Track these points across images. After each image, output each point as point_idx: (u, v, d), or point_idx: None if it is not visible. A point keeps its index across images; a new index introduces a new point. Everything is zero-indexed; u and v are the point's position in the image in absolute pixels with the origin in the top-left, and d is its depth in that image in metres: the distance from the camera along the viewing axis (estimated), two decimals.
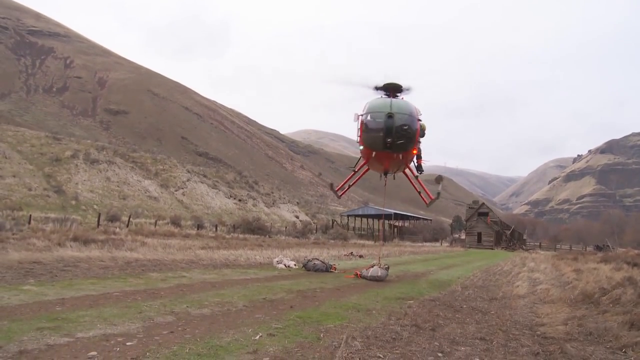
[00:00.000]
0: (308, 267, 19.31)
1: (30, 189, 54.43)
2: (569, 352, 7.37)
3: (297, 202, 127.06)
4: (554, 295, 14.65)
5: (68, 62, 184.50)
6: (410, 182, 18.33)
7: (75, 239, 22.12)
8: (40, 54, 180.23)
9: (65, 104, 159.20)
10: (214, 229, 52.83)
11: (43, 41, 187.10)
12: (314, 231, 68.94)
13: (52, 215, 42.98)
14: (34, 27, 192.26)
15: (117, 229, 35.78)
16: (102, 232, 30.18)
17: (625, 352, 7.73)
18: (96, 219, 42.46)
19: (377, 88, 17.35)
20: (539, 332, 8.92)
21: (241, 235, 46.94)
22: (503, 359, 6.81)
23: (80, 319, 7.62)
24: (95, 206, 57.73)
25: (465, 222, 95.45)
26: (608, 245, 79.09)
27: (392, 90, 17.11)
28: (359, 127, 16.18)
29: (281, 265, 20.05)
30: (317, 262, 19.86)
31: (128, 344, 6.32)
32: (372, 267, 17.69)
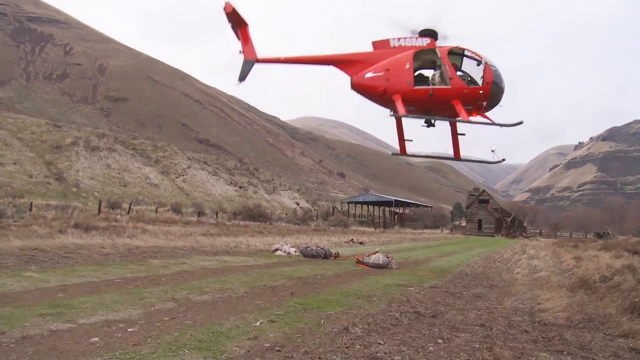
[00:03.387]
0: (306, 253, 19.36)
1: (31, 177, 54.50)
2: (568, 338, 7.40)
3: (298, 189, 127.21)
4: (553, 282, 14.68)
5: (68, 49, 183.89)
6: (455, 133, 17.59)
7: (76, 226, 22.16)
8: (40, 41, 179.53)
9: (65, 91, 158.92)
10: (215, 216, 52.93)
11: (42, 28, 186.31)
12: (315, 218, 69.08)
13: (53, 202, 43.06)
14: (33, 13, 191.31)
15: (118, 216, 35.88)
16: (103, 219, 30.25)
17: (627, 338, 7.76)
18: (97, 206, 42.55)
19: (420, 33, 16.90)
20: (538, 319, 8.94)
21: (242, 222, 47.09)
22: (503, 345, 6.83)
23: (81, 305, 7.64)
24: (96, 193, 57.83)
25: (465, 210, 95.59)
26: (608, 233, 79.23)
27: (432, 36, 16.80)
28: (485, 74, 15.74)
29: (279, 252, 20.09)
30: (314, 248, 19.90)
31: (129, 330, 6.35)
32: (374, 253, 17.71)
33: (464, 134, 17.43)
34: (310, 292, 10.53)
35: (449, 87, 15.72)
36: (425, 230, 77.27)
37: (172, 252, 17.13)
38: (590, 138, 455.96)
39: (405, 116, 16.24)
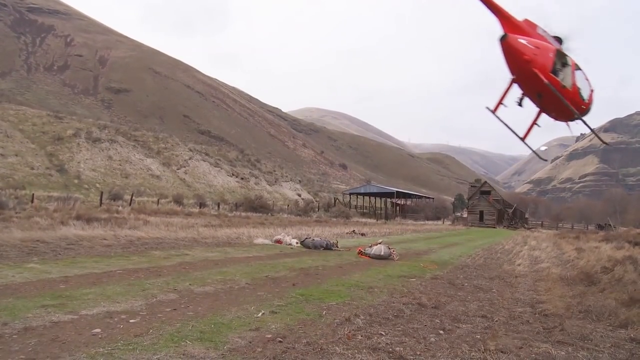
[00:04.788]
0: (307, 245, 19.40)
1: (32, 168, 54.54)
2: (569, 329, 7.41)
3: (299, 181, 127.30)
4: (554, 273, 14.71)
5: (69, 40, 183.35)
6: (535, 121, 18.66)
7: (78, 217, 22.18)
8: (41, 32, 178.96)
9: (67, 82, 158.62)
10: (217, 208, 52.97)
11: (43, 19, 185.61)
12: (316, 209, 69.14)
13: (55, 194, 43.11)
14: (33, 4, 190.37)
15: (120, 208, 35.92)
16: (105, 211, 30.27)
17: (627, 328, 7.77)
18: (99, 198, 42.57)
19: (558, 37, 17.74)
20: (539, 310, 8.96)
21: (243, 214, 47.11)
22: (504, 336, 6.84)
23: (83, 296, 7.66)
24: (97, 185, 57.90)
25: (467, 201, 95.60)
26: (610, 224, 79.18)
27: (560, 42, 17.58)
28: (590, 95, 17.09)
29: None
30: (316, 239, 19.95)
31: (131, 321, 6.36)
32: (376, 245, 17.73)
33: (540, 126, 18.38)
34: (312, 283, 10.55)
35: (570, 90, 16.59)
36: (426, 222, 77.22)
37: (174, 244, 17.16)
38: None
39: (522, 92, 17.26)
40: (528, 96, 17.06)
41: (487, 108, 18.66)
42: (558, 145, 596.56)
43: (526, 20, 17.05)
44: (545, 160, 24.06)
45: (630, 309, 9.15)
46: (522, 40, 16.52)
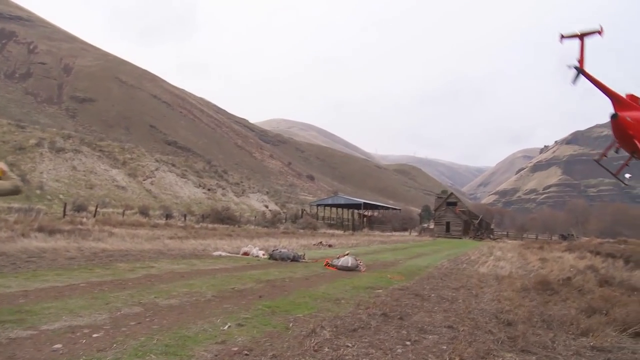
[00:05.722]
0: (274, 256, 19.33)
1: None
2: (532, 338, 7.55)
3: (267, 192, 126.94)
4: (519, 283, 14.97)
5: (31, 47, 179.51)
6: (626, 164, 20.48)
7: (40, 229, 21.64)
8: (1, 38, 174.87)
9: (29, 90, 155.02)
10: (183, 219, 52.42)
11: (4, 25, 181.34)
12: (284, 221, 69.10)
13: (16, 205, 42.03)
14: None
15: (84, 219, 35.22)
16: (69, 222, 29.65)
17: (588, 336, 7.97)
18: (62, 209, 41.69)
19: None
20: (503, 319, 9.09)
21: (210, 225, 46.71)
22: (469, 346, 6.93)
23: (44, 311, 7.47)
24: (61, 196, 56.67)
25: (434, 212, 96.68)
26: (572, 234, 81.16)
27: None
28: None
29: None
30: (283, 251, 19.92)
31: (94, 335, 6.23)
32: (343, 256, 17.76)
33: (629, 165, 20.22)
34: (279, 295, 10.50)
35: None
36: (394, 233, 77.67)
37: (139, 256, 16.88)
38: (556, 141, 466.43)
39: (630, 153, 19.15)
40: (624, 149, 19.09)
41: (594, 159, 22.34)
42: (522, 156, 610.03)
43: (630, 96, 19.39)
44: (627, 186, 28.81)
45: (591, 317, 9.41)
46: (628, 118, 18.86)
